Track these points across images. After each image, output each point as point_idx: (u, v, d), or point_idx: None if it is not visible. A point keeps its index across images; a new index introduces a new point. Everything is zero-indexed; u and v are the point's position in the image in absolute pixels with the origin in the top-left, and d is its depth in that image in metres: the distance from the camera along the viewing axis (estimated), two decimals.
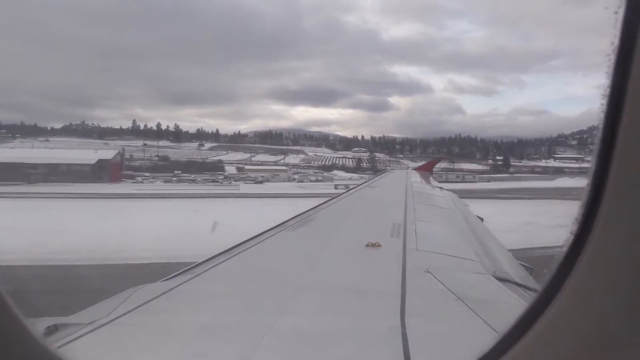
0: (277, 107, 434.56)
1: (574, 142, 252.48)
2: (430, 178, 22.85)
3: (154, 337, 2.69)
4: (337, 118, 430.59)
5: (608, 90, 1.25)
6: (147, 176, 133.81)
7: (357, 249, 5.00)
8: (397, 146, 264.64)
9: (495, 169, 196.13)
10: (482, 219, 10.18)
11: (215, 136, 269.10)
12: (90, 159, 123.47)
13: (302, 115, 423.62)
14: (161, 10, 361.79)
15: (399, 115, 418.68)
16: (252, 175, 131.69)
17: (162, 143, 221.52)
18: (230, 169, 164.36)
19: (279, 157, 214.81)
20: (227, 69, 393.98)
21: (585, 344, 1.29)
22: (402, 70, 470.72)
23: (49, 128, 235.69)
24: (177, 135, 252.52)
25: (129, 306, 3.06)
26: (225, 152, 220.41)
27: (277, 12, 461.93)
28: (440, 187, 17.14)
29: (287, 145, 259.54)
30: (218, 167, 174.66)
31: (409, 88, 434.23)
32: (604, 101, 1.26)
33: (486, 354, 1.57)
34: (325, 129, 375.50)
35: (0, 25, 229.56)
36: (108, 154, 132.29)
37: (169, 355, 2.45)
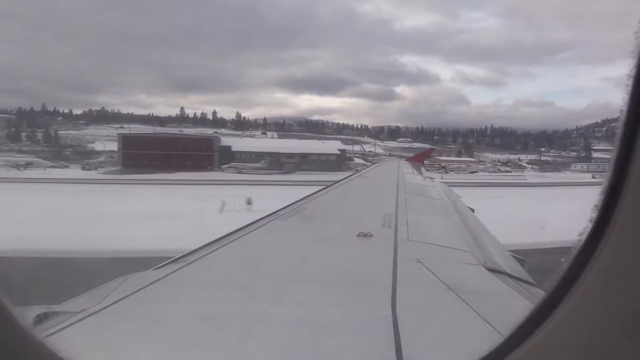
0: (281, 95, 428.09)
1: (600, 134, 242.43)
2: (422, 169, 22.70)
3: (145, 326, 2.70)
4: (340, 107, 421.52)
5: (634, 71, 1.19)
6: (368, 164, 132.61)
7: (348, 238, 5.04)
8: (435, 137, 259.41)
9: (579, 159, 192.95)
10: (473, 210, 10.16)
11: (263, 125, 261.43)
12: (333, 149, 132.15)
13: (305, 103, 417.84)
14: None
15: (403, 105, 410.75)
16: (455, 167, 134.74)
17: (223, 131, 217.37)
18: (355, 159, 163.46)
19: (352, 147, 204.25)
20: (236, 56, 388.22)
21: (605, 341, 1.22)
22: (412, 60, 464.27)
23: (73, 113, 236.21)
24: (239, 124, 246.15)
25: (119, 295, 3.08)
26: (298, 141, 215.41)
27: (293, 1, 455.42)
28: (431, 178, 17.09)
29: (330, 134, 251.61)
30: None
31: (417, 78, 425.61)
32: (629, 82, 1.20)
33: (490, 353, 1.50)
34: (327, 118, 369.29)
35: (6, 10, 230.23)
36: (337, 145, 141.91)
37: (159, 344, 2.46)
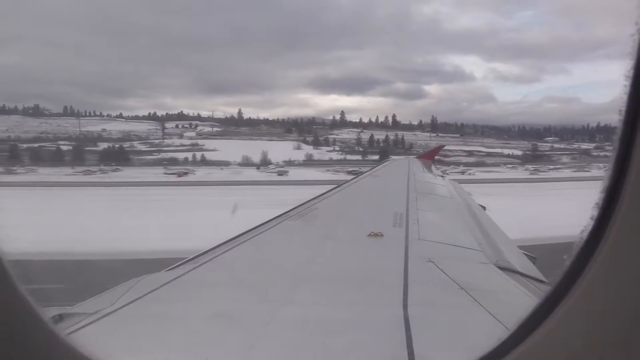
0: (304, 96, 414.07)
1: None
2: (432, 166, 22.27)
3: (158, 327, 2.73)
4: (361, 106, 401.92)
5: (632, 72, 1.21)
6: None
7: (359, 238, 5.02)
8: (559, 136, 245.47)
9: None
10: (484, 208, 10.01)
11: (409, 125, 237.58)
12: None
13: (328, 103, 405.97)
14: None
15: (427, 103, 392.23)
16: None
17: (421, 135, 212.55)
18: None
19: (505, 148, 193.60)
20: (275, 58, 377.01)
21: (609, 336, 1.22)
22: (452, 60, 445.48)
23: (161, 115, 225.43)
24: (435, 126, 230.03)
25: (132, 296, 3.11)
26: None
27: (352, 3, 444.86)
28: (442, 176, 16.95)
29: (447, 133, 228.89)
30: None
31: (452, 76, 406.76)
32: (628, 82, 1.21)
33: (495, 348, 1.51)
34: (346, 117, 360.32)
35: (32, 12, 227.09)
36: None
37: (172, 344, 2.49)
